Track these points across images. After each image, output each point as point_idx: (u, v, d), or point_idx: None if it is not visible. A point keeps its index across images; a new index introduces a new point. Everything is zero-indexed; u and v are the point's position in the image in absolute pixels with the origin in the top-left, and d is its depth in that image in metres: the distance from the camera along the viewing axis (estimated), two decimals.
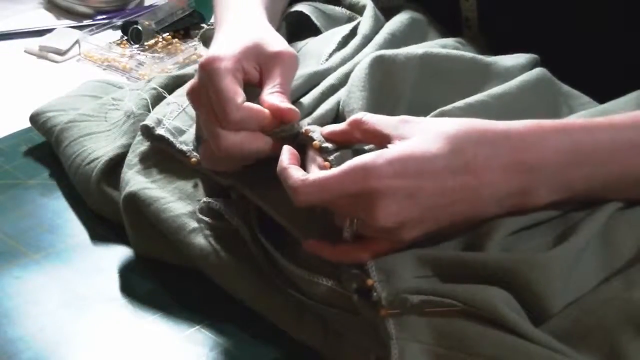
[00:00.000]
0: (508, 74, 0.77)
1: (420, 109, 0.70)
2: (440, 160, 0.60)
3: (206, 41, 1.17)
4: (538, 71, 0.76)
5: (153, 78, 0.90)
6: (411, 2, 0.92)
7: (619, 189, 0.63)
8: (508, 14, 0.88)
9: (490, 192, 0.61)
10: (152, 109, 0.83)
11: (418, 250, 0.62)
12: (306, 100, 0.76)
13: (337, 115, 0.75)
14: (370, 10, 0.89)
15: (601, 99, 0.75)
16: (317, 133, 0.67)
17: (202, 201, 0.74)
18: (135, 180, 0.77)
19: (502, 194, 0.61)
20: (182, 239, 0.73)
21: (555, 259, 0.59)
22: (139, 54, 1.19)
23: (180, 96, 0.83)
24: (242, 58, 0.72)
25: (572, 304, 0.60)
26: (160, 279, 0.76)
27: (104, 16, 1.31)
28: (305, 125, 0.70)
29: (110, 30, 1.27)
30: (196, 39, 1.22)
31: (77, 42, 1.21)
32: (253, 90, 0.72)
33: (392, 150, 0.60)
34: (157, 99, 0.85)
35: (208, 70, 0.70)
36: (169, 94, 0.84)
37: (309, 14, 0.92)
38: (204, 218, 0.73)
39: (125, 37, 1.22)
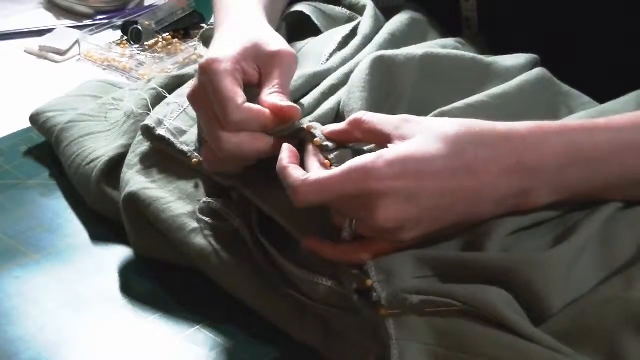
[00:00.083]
0: (508, 74, 0.77)
1: (421, 109, 0.70)
2: (441, 161, 0.60)
3: (206, 41, 1.17)
4: (538, 71, 0.76)
5: (153, 78, 0.90)
6: (411, 2, 0.92)
7: (619, 190, 0.63)
8: (508, 14, 0.88)
9: (491, 193, 0.61)
10: (152, 109, 0.83)
11: (418, 251, 0.62)
12: (307, 100, 0.76)
13: (337, 116, 0.75)
14: (370, 10, 0.89)
15: (601, 99, 0.75)
16: (319, 131, 0.67)
17: (202, 201, 0.74)
18: (135, 180, 0.77)
19: (502, 195, 0.61)
20: (182, 239, 0.73)
21: (555, 259, 0.59)
22: (139, 54, 1.19)
23: (180, 96, 0.83)
24: (242, 59, 0.72)
25: (572, 304, 0.60)
26: (160, 279, 0.76)
27: (104, 16, 1.31)
28: (307, 122, 0.70)
29: (110, 30, 1.27)
30: (196, 39, 1.22)
31: (77, 42, 1.21)
32: (253, 91, 0.72)
33: (393, 151, 0.60)
34: (157, 99, 0.85)
35: (208, 71, 0.70)
36: (169, 94, 0.84)
37: (309, 14, 0.92)
38: (204, 218, 0.73)
39: (125, 37, 1.22)
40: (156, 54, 1.19)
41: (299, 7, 0.93)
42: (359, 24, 0.88)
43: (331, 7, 0.95)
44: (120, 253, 0.79)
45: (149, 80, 0.89)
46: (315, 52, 0.85)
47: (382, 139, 0.63)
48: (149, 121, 0.80)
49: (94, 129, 0.88)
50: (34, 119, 0.93)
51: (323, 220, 0.65)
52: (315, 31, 0.91)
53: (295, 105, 0.70)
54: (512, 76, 0.76)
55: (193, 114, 0.79)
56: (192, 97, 0.73)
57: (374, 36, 0.85)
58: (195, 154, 0.76)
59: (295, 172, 0.63)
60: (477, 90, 0.74)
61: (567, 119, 0.72)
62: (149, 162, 0.79)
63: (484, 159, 0.60)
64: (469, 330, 0.57)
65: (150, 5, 1.34)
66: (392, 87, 0.75)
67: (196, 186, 0.76)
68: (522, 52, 0.81)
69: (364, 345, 0.63)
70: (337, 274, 0.64)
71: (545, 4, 0.85)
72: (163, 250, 0.76)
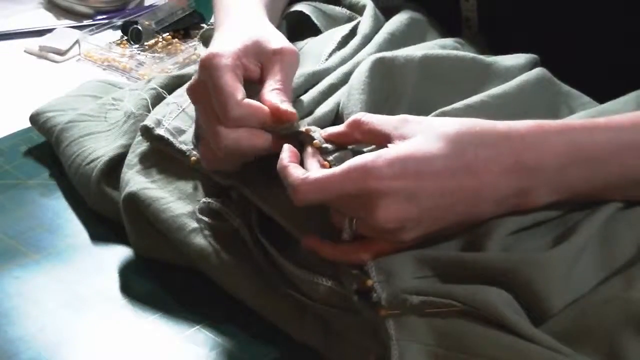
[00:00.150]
0: (508, 74, 0.77)
1: (421, 110, 0.70)
2: (441, 161, 0.60)
3: (206, 41, 1.16)
4: (538, 71, 0.76)
5: (153, 78, 0.90)
6: (411, 2, 0.92)
7: (619, 189, 0.63)
8: (508, 14, 0.88)
9: (491, 193, 0.61)
10: (152, 109, 0.83)
11: (418, 251, 0.62)
12: (306, 99, 0.76)
13: (336, 117, 0.75)
14: (370, 10, 0.89)
15: (601, 99, 0.75)
16: (317, 133, 0.67)
17: (202, 201, 0.74)
18: (135, 180, 0.77)
19: (502, 194, 0.61)
20: (182, 239, 0.73)
21: (555, 259, 0.59)
22: (139, 54, 1.19)
23: (180, 96, 0.83)
24: (243, 55, 0.72)
25: (572, 304, 0.60)
26: (160, 279, 0.76)
27: (104, 16, 1.31)
28: (306, 124, 0.70)
29: (110, 30, 1.27)
30: (196, 39, 1.21)
31: (77, 42, 1.21)
32: (254, 87, 0.72)
33: (393, 151, 0.60)
34: (157, 99, 0.85)
35: (208, 66, 0.70)
36: (169, 94, 0.85)
37: (309, 13, 0.92)
38: (204, 218, 0.73)
39: (125, 37, 1.22)
40: (156, 54, 1.19)
41: (298, 7, 0.93)
42: (358, 23, 0.88)
43: (331, 7, 0.95)
44: (120, 253, 0.79)
45: (149, 80, 0.89)
46: (314, 52, 0.85)
47: (381, 140, 0.63)
48: (148, 121, 0.80)
49: (94, 129, 0.88)
50: (34, 119, 0.93)
51: (323, 220, 0.65)
52: (315, 31, 0.91)
53: (292, 110, 0.69)
54: (512, 76, 0.76)
55: (192, 113, 0.79)
56: (192, 92, 0.73)
57: (374, 36, 0.85)
58: (194, 152, 0.76)
59: (296, 171, 0.62)
60: (477, 91, 0.74)
61: (568, 118, 0.72)
62: (148, 162, 0.79)
63: (484, 158, 0.60)
64: (469, 330, 0.57)
65: (150, 5, 1.34)
66: (392, 89, 0.75)
67: (196, 186, 0.76)
68: (522, 52, 0.81)
69: (364, 345, 0.63)
70: (337, 274, 0.64)
71: (545, 4, 0.85)
72: (163, 250, 0.76)
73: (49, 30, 1.25)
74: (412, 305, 0.59)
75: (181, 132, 0.79)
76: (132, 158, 0.80)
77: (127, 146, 0.82)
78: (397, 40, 0.84)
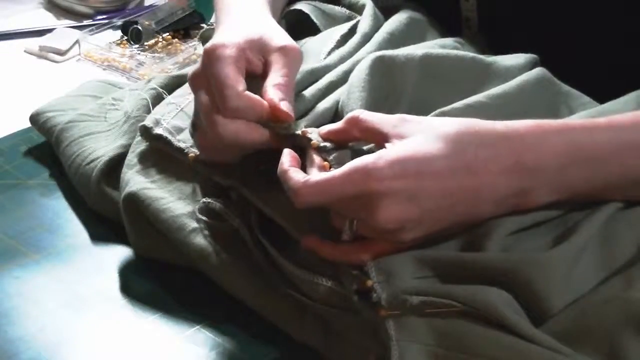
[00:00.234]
0: (508, 74, 0.77)
1: (421, 110, 0.70)
2: (441, 161, 0.60)
3: (206, 41, 1.17)
4: (538, 71, 0.76)
5: (153, 78, 0.90)
6: (411, 1, 0.92)
7: (619, 189, 0.63)
8: (508, 14, 0.88)
9: (491, 193, 0.61)
10: (152, 109, 0.83)
11: (418, 251, 0.61)
12: (305, 96, 0.76)
13: (335, 115, 0.75)
14: (369, 9, 0.89)
15: (601, 99, 0.75)
16: (315, 134, 0.67)
17: (201, 201, 0.74)
18: (135, 180, 0.77)
19: (502, 194, 0.61)
20: (182, 239, 0.73)
21: (555, 259, 0.59)
22: (139, 54, 1.19)
23: (179, 96, 0.83)
24: (247, 48, 0.72)
25: (572, 304, 0.60)
26: (160, 279, 0.76)
27: (104, 16, 1.31)
28: (302, 127, 0.70)
29: (110, 30, 1.27)
30: (196, 39, 1.22)
31: (77, 42, 1.21)
32: (255, 82, 0.72)
33: (393, 151, 0.60)
34: (157, 99, 0.85)
35: (211, 56, 0.70)
36: (169, 94, 0.84)
37: (308, 12, 0.92)
38: (204, 218, 0.73)
39: (125, 37, 1.22)
40: (156, 54, 1.19)
41: (298, 6, 0.93)
42: (357, 22, 0.88)
43: (330, 6, 0.95)
44: (120, 253, 0.79)
45: (149, 80, 0.89)
46: (313, 50, 0.85)
47: (379, 138, 0.63)
48: (147, 121, 0.80)
49: (94, 129, 0.88)
50: (34, 119, 0.93)
51: (323, 221, 0.65)
52: (313, 31, 0.91)
53: (289, 112, 0.69)
54: (512, 76, 0.76)
55: (191, 112, 0.79)
56: (193, 80, 0.73)
57: (373, 35, 0.85)
58: (192, 149, 0.76)
59: (296, 175, 0.62)
60: (477, 90, 0.74)
61: (567, 118, 0.72)
62: (148, 162, 0.79)
63: (483, 158, 0.60)
64: (469, 331, 0.57)
65: (150, 5, 1.34)
66: (392, 88, 0.75)
67: (196, 186, 0.76)
68: (522, 52, 0.81)
69: (364, 345, 0.63)
70: (337, 274, 0.64)
71: (545, 4, 0.85)
72: (163, 250, 0.76)
73: (49, 30, 1.25)
74: (412, 306, 0.59)
75: (180, 130, 0.79)
76: (132, 158, 0.80)
77: (127, 146, 0.82)
78: (396, 39, 0.84)
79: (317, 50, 0.85)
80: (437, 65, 0.77)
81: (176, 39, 1.23)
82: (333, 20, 0.93)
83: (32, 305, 0.73)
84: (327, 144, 0.66)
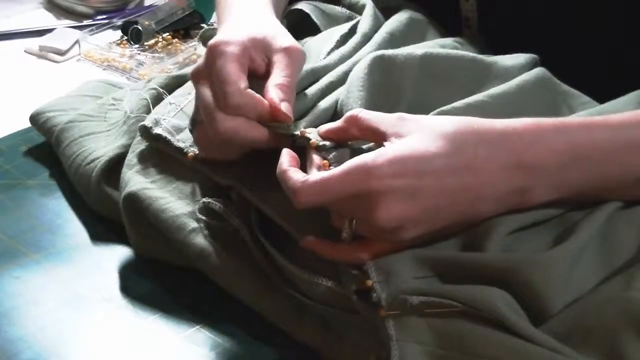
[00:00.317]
0: (508, 74, 0.77)
1: (420, 109, 0.70)
2: (441, 160, 0.60)
3: (206, 41, 1.17)
4: (538, 71, 0.76)
5: (153, 78, 0.90)
6: (411, 2, 0.92)
7: (619, 188, 0.63)
8: (508, 14, 0.88)
9: (490, 192, 0.61)
10: (152, 109, 0.83)
11: (417, 251, 0.62)
12: (304, 97, 0.76)
13: (334, 114, 0.75)
14: (370, 9, 0.89)
15: (601, 99, 0.75)
16: (314, 133, 0.68)
17: (201, 201, 0.74)
18: (135, 180, 0.77)
19: (501, 193, 0.61)
20: (182, 239, 0.73)
21: (555, 259, 0.59)
22: (139, 54, 1.19)
23: (179, 96, 0.83)
24: (251, 46, 0.72)
25: (572, 304, 0.60)
26: (160, 279, 0.76)
27: (104, 16, 1.31)
28: (301, 127, 0.70)
29: (110, 30, 1.27)
30: (196, 39, 1.22)
31: (77, 42, 1.21)
32: (257, 82, 0.72)
33: (391, 150, 0.60)
34: (157, 99, 0.85)
35: (215, 52, 0.70)
36: (169, 94, 0.85)
37: (308, 12, 0.92)
38: (204, 218, 0.73)
39: (125, 37, 1.22)
40: (156, 54, 1.19)
41: (299, 6, 0.94)
42: (357, 22, 0.88)
43: (331, 6, 0.95)
44: (120, 253, 0.79)
45: (149, 80, 0.89)
46: (313, 50, 0.85)
47: (378, 137, 0.63)
48: (147, 121, 0.80)
49: (94, 129, 0.88)
50: (34, 119, 0.93)
51: (323, 221, 0.65)
52: (313, 31, 0.91)
53: (289, 113, 0.69)
54: (512, 76, 0.76)
55: (191, 112, 0.79)
56: (195, 75, 0.73)
57: (373, 35, 0.85)
58: (192, 149, 0.76)
59: (295, 175, 0.62)
60: (476, 91, 0.74)
61: (567, 117, 0.72)
62: (148, 162, 0.79)
63: (483, 157, 0.60)
64: (469, 331, 0.57)
65: (150, 5, 1.34)
66: (392, 87, 0.75)
67: (195, 186, 0.76)
68: (522, 52, 0.81)
69: (364, 345, 0.63)
70: (337, 274, 0.64)
71: (545, 3, 0.85)
72: (163, 250, 0.76)
73: (49, 30, 1.25)
74: (412, 306, 0.59)
75: (179, 130, 0.79)
76: (132, 158, 0.80)
77: (127, 146, 0.82)
78: (396, 39, 0.84)
79: (317, 50, 0.85)
80: (437, 65, 0.77)
81: (176, 39, 1.23)
82: (333, 21, 0.93)
83: (32, 305, 0.73)
84: (327, 143, 0.66)
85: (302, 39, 0.90)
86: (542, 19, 0.85)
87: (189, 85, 0.84)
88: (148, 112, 0.83)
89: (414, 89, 0.76)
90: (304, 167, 0.66)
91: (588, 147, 0.62)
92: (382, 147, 0.61)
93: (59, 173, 0.89)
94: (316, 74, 0.79)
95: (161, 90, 0.86)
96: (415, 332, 0.58)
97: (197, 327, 0.70)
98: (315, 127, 0.69)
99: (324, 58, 0.83)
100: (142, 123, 0.80)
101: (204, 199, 0.73)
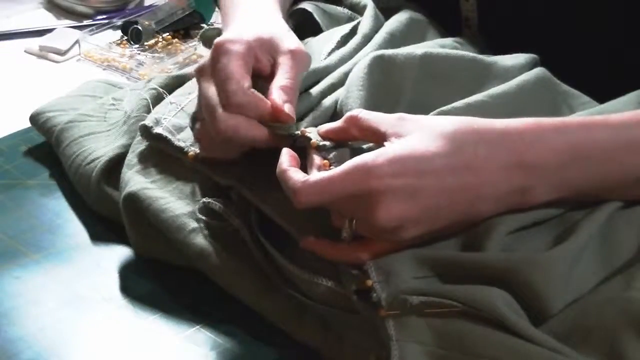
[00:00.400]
0: (508, 74, 0.77)
1: (420, 109, 0.70)
2: (441, 160, 0.60)
3: (206, 41, 1.17)
4: (538, 71, 0.76)
5: (153, 78, 0.90)
6: (411, 2, 0.92)
7: (619, 188, 0.63)
8: (508, 14, 0.88)
9: (490, 191, 0.61)
10: (152, 109, 0.83)
11: (417, 251, 0.62)
12: (305, 97, 0.76)
13: (334, 114, 0.75)
14: (370, 10, 0.89)
15: (601, 99, 0.75)
16: (314, 133, 0.68)
17: (201, 201, 0.74)
18: (135, 180, 0.77)
19: (502, 192, 0.61)
20: (182, 239, 0.73)
21: (555, 259, 0.59)
22: (139, 54, 1.19)
23: (180, 96, 0.83)
24: (257, 46, 0.72)
25: (572, 304, 0.60)
26: (160, 279, 0.76)
27: (104, 16, 1.31)
28: (301, 127, 0.70)
29: (110, 30, 1.27)
30: (196, 39, 1.22)
31: (77, 42, 1.21)
32: (260, 83, 0.72)
33: (392, 150, 0.60)
34: (157, 99, 0.85)
35: (220, 50, 0.71)
36: (169, 94, 0.84)
37: (311, 11, 0.92)
38: (204, 218, 0.73)
39: (125, 37, 1.22)
40: (156, 54, 1.19)
41: (302, 5, 0.94)
42: (358, 23, 0.88)
43: (332, 6, 0.95)
44: (120, 253, 0.79)
45: (149, 80, 0.89)
46: (314, 51, 0.85)
47: (378, 137, 0.63)
48: (147, 121, 0.80)
49: (94, 129, 0.88)
50: (34, 119, 0.93)
51: (323, 220, 0.65)
52: (314, 31, 0.91)
53: (291, 114, 0.69)
54: (512, 76, 0.76)
55: (191, 112, 0.79)
56: (199, 72, 0.73)
57: (374, 35, 0.85)
58: (192, 148, 0.76)
59: (295, 175, 0.62)
60: (476, 91, 0.74)
61: (567, 117, 0.72)
62: (148, 162, 0.79)
63: (483, 156, 0.60)
64: (469, 331, 0.57)
65: (150, 5, 1.34)
66: (392, 87, 0.75)
67: (196, 186, 0.76)
68: (522, 52, 0.81)
69: (364, 345, 0.63)
70: (337, 274, 0.64)
71: (545, 3, 0.85)
72: (163, 250, 0.76)
73: (49, 30, 1.25)
74: (412, 306, 0.59)
75: (180, 129, 0.79)
76: (132, 158, 0.80)
77: (127, 146, 0.82)
78: (396, 40, 0.84)
79: (318, 50, 0.85)
80: (437, 64, 0.77)
81: (176, 39, 1.23)
82: (335, 21, 0.93)
83: (32, 305, 0.73)
84: (327, 143, 0.67)
85: (305, 38, 0.90)
86: (542, 19, 0.85)
87: (189, 85, 0.84)
88: (148, 112, 0.83)
89: (414, 88, 0.76)
90: (304, 167, 0.66)
91: (588, 147, 0.62)
92: (382, 147, 0.61)
93: (59, 173, 0.89)
94: (317, 75, 0.79)
95: (161, 90, 0.86)
96: (415, 332, 0.58)
97: (197, 327, 0.70)
98: (315, 127, 0.69)
99: (325, 58, 0.83)
100: (142, 122, 0.80)
101: (204, 199, 0.74)
